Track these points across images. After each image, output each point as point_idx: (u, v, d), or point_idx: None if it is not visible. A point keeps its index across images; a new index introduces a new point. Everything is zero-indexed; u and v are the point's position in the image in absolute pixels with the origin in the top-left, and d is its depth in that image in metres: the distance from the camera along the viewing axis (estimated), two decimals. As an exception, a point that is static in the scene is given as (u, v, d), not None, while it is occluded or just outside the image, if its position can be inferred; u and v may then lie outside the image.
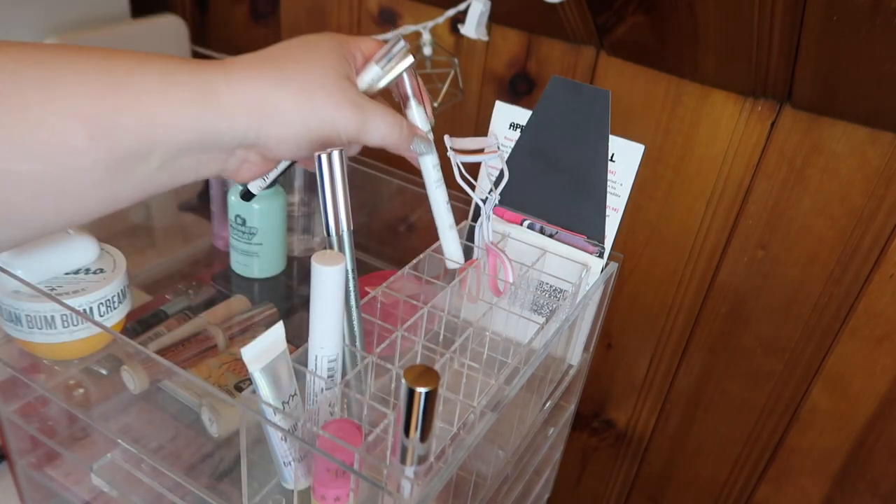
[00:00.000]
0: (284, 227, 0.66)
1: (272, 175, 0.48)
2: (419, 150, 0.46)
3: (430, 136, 0.48)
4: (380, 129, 0.42)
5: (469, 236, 0.56)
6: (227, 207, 0.68)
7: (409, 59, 0.45)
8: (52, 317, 0.48)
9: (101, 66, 0.34)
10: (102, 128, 0.33)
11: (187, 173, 0.38)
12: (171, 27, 0.90)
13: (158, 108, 0.35)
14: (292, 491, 0.43)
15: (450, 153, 0.53)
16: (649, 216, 0.75)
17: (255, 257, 0.65)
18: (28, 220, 0.33)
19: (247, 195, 0.51)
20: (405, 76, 0.46)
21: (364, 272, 0.68)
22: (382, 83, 0.45)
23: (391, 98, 0.49)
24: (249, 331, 0.62)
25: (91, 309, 0.49)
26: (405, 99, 0.48)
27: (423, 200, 0.72)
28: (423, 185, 0.69)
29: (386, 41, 0.46)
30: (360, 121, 0.41)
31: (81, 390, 0.55)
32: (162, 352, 0.56)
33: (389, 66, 0.45)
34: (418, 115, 0.48)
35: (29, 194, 0.32)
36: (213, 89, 0.36)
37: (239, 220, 0.62)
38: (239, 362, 0.58)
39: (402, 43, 0.44)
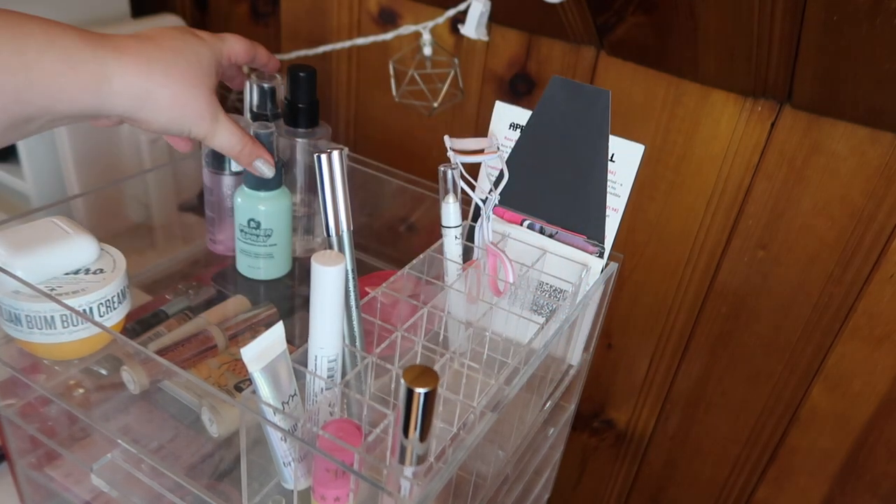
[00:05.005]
0: (291, 228, 0.66)
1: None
2: (260, 171, 0.56)
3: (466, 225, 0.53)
4: (223, 142, 0.51)
5: (469, 236, 0.56)
6: (223, 210, 0.68)
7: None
8: (52, 317, 0.48)
9: (13, 45, 0.39)
10: (10, 99, 0.39)
11: (59, 126, 0.47)
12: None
13: (60, 89, 0.41)
14: (292, 491, 0.43)
15: (450, 153, 0.53)
16: (649, 216, 0.75)
17: (269, 259, 0.65)
18: None
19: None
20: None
21: (364, 272, 0.68)
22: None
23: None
24: (249, 331, 0.62)
25: (91, 309, 0.49)
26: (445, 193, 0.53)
27: (423, 200, 0.72)
28: (423, 186, 0.69)
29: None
30: (212, 132, 0.50)
31: (81, 390, 0.55)
32: (162, 352, 0.56)
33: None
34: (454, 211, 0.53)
35: None
36: (107, 75, 0.43)
37: (253, 224, 0.62)
38: (239, 362, 0.58)
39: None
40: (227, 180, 0.66)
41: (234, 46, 0.54)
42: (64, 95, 0.41)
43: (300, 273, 0.69)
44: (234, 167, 0.66)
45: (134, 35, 0.47)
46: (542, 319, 0.57)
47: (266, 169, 0.56)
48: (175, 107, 0.47)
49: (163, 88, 0.46)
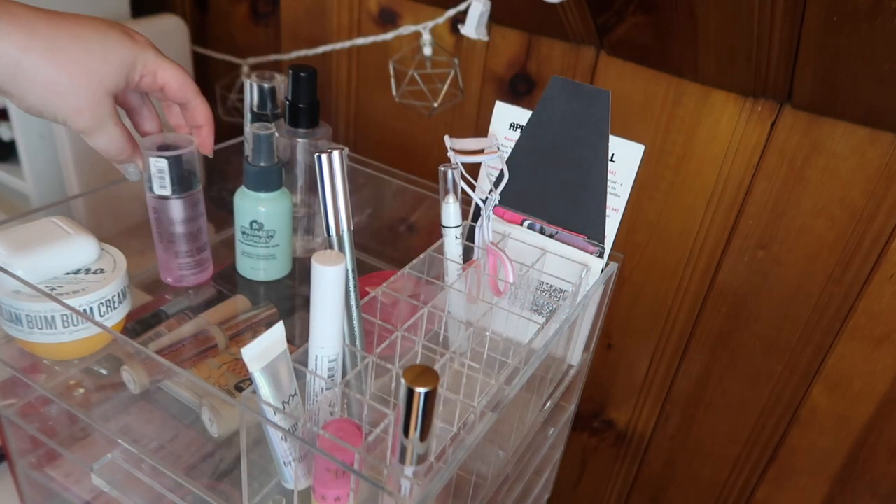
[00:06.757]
0: (291, 228, 0.66)
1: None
2: (128, 174, 0.54)
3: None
4: (100, 145, 0.49)
5: (469, 236, 0.57)
6: (168, 237, 0.61)
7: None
8: (53, 317, 0.48)
9: None
10: None
11: None
12: (171, 27, 0.90)
13: None
14: (292, 491, 0.43)
15: (450, 153, 0.53)
16: (649, 216, 0.75)
17: (271, 260, 0.65)
18: None
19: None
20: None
21: (364, 272, 0.68)
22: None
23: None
24: (250, 331, 0.62)
25: (91, 309, 0.49)
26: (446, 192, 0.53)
27: (423, 200, 0.72)
28: (423, 186, 0.69)
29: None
30: (91, 131, 0.47)
31: (81, 390, 0.55)
32: (162, 352, 0.56)
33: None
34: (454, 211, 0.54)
35: None
36: None
37: (256, 226, 0.62)
38: (239, 362, 0.58)
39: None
40: (176, 203, 0.58)
41: (168, 71, 0.50)
42: None
43: (300, 273, 0.69)
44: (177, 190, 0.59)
45: (44, 10, 0.44)
46: (542, 319, 0.57)
47: (132, 172, 0.54)
48: (48, 92, 0.44)
49: (38, 67, 0.43)
